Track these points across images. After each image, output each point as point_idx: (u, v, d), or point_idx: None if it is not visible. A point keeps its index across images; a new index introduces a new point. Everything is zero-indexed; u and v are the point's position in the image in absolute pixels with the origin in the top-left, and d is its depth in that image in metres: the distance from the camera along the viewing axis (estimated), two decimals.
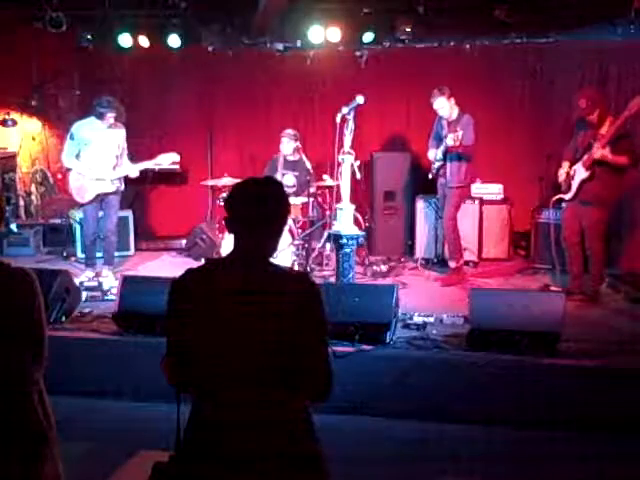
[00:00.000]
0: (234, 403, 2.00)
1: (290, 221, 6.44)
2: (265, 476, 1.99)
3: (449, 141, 6.13)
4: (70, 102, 8.56)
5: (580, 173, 5.74)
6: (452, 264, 6.71)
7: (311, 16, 7.27)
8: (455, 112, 6.41)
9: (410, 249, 7.74)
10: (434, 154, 6.59)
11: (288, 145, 7.20)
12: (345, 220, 5.87)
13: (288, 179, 7.22)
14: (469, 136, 6.21)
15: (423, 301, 5.92)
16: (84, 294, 5.88)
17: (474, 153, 6.42)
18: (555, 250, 6.19)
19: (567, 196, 5.89)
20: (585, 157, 5.66)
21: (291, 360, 1.99)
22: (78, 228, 7.57)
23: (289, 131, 7.28)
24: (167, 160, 6.60)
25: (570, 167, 5.85)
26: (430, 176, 6.78)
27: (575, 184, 5.79)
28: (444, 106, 6.35)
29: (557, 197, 6.04)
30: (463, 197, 6.70)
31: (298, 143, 7.25)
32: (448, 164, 6.43)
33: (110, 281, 6.32)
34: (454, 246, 6.66)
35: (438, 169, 6.61)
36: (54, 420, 2.50)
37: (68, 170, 6.58)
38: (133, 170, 6.59)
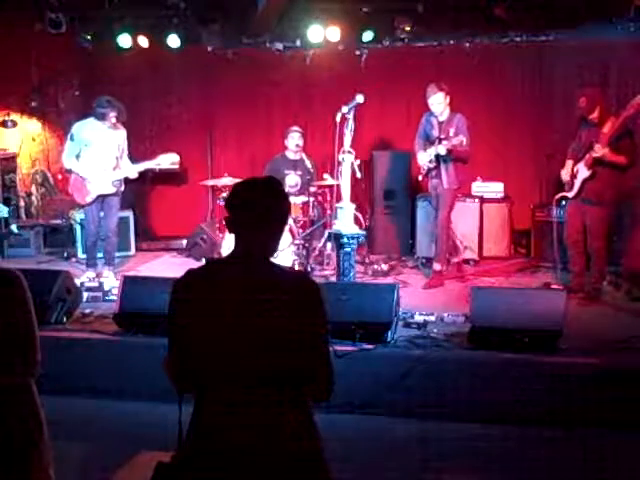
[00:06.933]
0: (236, 403, 2.00)
1: (290, 221, 6.44)
2: (267, 476, 1.99)
3: (441, 150, 6.02)
4: (70, 103, 8.57)
5: (582, 172, 5.74)
6: (437, 266, 6.50)
7: (311, 15, 7.29)
8: (446, 111, 6.26)
9: (410, 248, 7.74)
10: (424, 157, 6.36)
11: (298, 141, 7.18)
12: (345, 219, 5.87)
13: (291, 179, 7.21)
14: (465, 137, 6.07)
15: (424, 300, 5.92)
16: (85, 295, 5.87)
17: (470, 154, 6.26)
18: (557, 248, 6.19)
19: (570, 194, 5.90)
20: (587, 156, 5.67)
21: (292, 360, 1.99)
22: (79, 229, 7.57)
23: (297, 127, 7.28)
24: (167, 160, 6.58)
25: (573, 166, 5.86)
26: (420, 178, 6.63)
27: (578, 183, 5.79)
28: (441, 102, 6.19)
29: (560, 195, 6.04)
30: (456, 198, 6.57)
31: (302, 141, 7.26)
32: (442, 165, 6.22)
33: (111, 281, 6.31)
34: (442, 248, 6.47)
35: (430, 170, 6.40)
36: (45, 425, 2.44)
37: (68, 171, 6.59)
38: (132, 171, 6.56)
